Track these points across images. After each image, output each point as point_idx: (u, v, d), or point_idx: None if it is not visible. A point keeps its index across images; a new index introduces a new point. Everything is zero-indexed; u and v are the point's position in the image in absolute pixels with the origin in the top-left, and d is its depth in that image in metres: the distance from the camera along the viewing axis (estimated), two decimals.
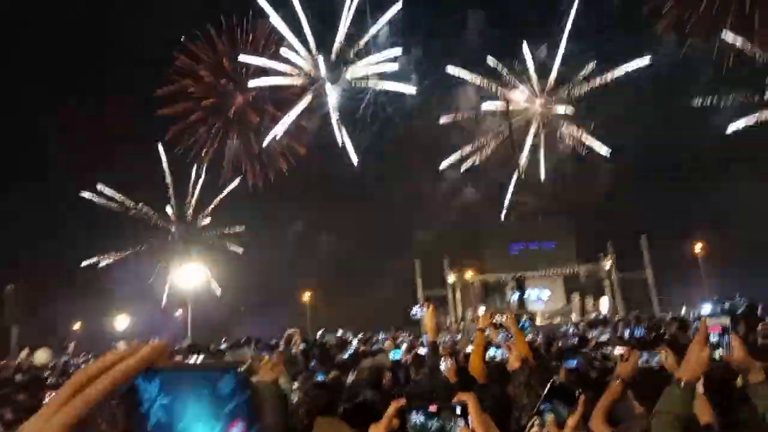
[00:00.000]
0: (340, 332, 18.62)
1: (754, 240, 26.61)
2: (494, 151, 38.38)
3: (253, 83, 36.73)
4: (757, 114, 31.99)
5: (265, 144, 37.55)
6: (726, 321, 2.35)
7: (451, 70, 36.37)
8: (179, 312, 36.46)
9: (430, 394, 4.49)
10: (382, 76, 37.05)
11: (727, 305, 13.62)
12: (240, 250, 38.74)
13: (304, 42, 36.72)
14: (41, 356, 18.99)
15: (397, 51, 36.43)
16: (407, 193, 36.82)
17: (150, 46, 32.97)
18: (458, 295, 37.10)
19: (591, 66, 36.03)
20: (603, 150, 36.34)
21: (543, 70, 37.09)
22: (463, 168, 38.47)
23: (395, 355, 8.56)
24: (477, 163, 38.39)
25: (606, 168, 35.90)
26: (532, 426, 2.47)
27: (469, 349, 6.86)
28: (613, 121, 34.48)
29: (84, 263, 36.27)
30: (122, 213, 37.32)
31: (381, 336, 17.52)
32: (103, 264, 37.00)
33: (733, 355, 2.32)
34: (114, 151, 31.31)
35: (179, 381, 0.68)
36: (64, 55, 32.44)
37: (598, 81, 36.00)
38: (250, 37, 36.60)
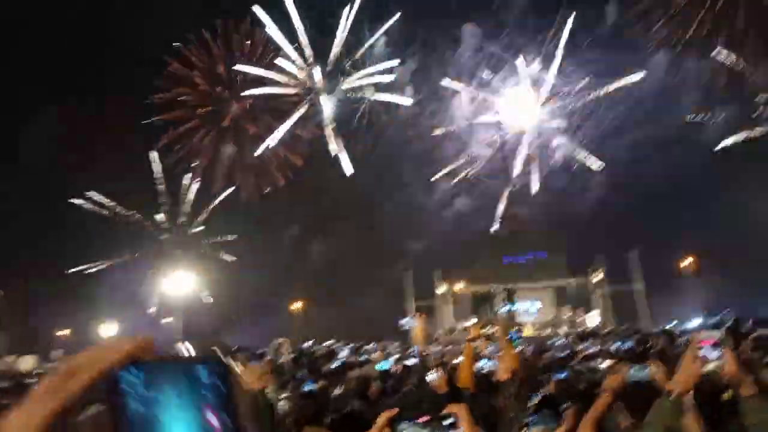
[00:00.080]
0: (328, 342, 18.57)
1: (744, 255, 26.82)
2: (487, 163, 38.52)
3: (248, 92, 36.72)
4: (746, 132, 32.36)
5: (257, 153, 37.44)
6: (719, 334, 2.36)
7: (446, 82, 36.55)
8: (170, 320, 36.18)
9: (419, 405, 4.47)
10: (378, 87, 37.18)
11: (715, 319, 13.69)
12: (232, 258, 38.55)
13: (300, 52, 36.81)
14: (26, 362, 18.89)
15: (394, 62, 36.60)
16: (399, 203, 36.85)
17: (150, 47, 32.95)
18: (449, 306, 37.07)
19: (585, 80, 36.32)
20: (595, 164, 36.56)
21: (537, 83, 37.36)
22: (455, 179, 38.57)
23: (383, 365, 8.55)
24: (470, 174, 38.49)
25: (597, 181, 36.11)
26: None
27: (458, 360, 6.85)
28: (605, 135, 34.81)
29: (73, 270, 35.90)
30: (111, 219, 37.03)
31: (372, 345, 17.47)
32: (92, 271, 36.68)
33: (725, 368, 2.32)
34: (105, 159, 31.02)
35: (162, 373, 0.69)
36: (64, 54, 32.28)
37: (591, 95, 36.30)
38: (248, 44, 36.62)
